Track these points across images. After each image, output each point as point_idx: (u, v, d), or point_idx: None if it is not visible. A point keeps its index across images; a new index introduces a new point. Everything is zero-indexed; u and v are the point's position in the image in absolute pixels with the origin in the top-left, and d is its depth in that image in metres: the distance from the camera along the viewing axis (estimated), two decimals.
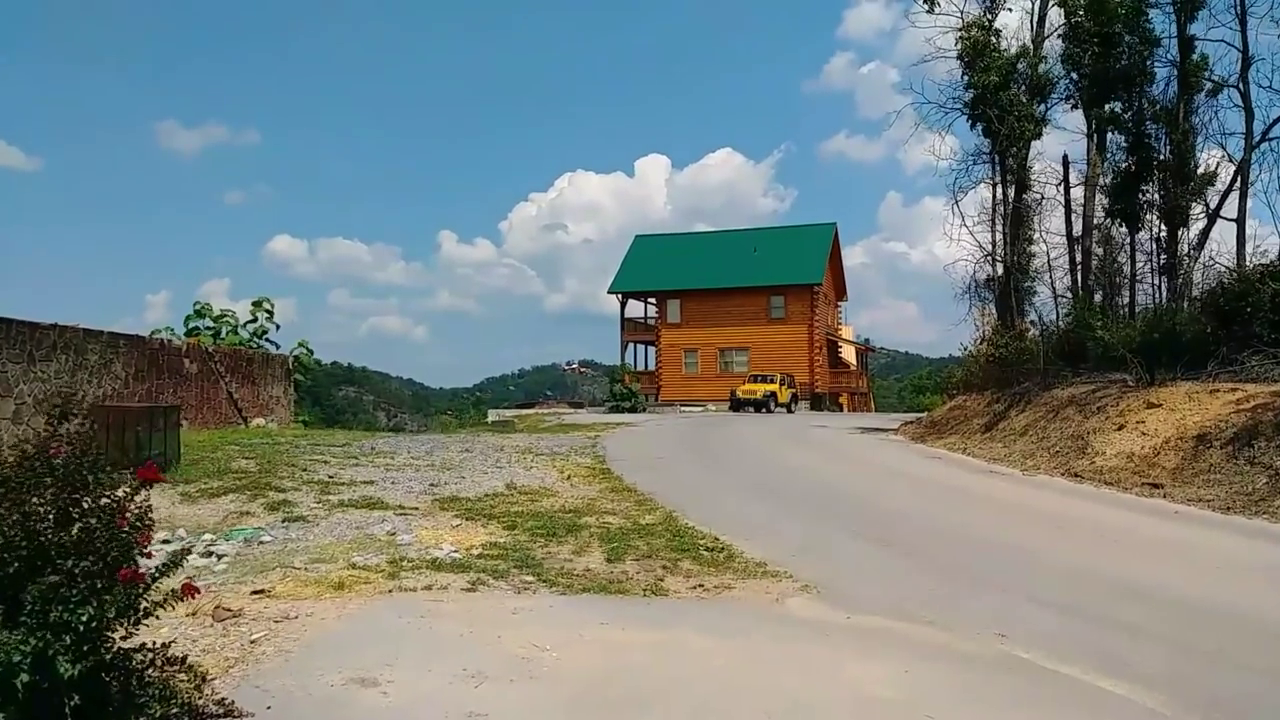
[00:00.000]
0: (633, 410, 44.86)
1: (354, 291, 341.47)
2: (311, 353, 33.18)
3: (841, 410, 54.40)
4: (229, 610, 6.63)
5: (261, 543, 10.35)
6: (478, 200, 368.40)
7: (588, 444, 21.87)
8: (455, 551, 9.62)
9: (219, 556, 9.87)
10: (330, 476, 14.44)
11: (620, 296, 56.40)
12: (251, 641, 6.15)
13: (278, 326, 32.80)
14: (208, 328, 30.66)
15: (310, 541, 10.27)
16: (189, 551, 4.88)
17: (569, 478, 15.77)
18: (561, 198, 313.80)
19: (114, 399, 17.94)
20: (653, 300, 57.24)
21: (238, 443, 17.70)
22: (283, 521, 11.29)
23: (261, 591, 7.66)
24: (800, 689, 5.57)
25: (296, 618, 6.78)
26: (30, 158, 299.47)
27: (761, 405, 42.33)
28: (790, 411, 43.98)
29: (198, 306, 31.02)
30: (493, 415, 43.75)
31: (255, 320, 32.13)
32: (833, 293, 60.44)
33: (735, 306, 53.44)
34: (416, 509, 12.18)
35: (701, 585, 8.52)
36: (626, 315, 56.82)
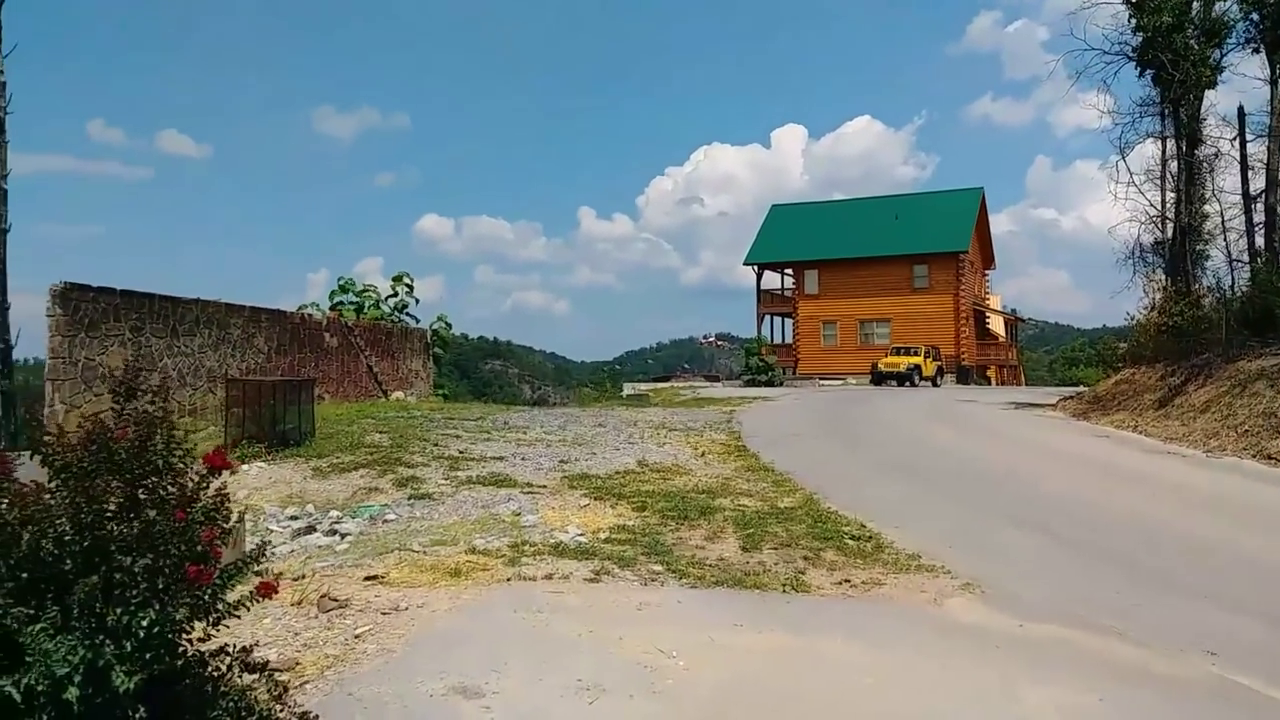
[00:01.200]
0: (769, 384, 43.74)
1: (498, 268, 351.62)
2: (450, 327, 33.52)
3: (989, 384, 51.76)
4: (335, 600, 6.22)
5: (386, 521, 10.07)
6: (615, 176, 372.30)
7: (723, 419, 21.11)
8: (581, 535, 9.07)
9: (342, 535, 9.62)
10: (461, 452, 14.18)
11: (756, 268, 55.01)
12: (355, 636, 5.70)
13: (417, 301, 33.29)
14: (351, 303, 31.29)
15: (434, 521, 9.92)
16: (270, 546, 4.38)
17: (703, 454, 15.08)
18: (697, 171, 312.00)
19: (257, 373, 18.25)
20: (789, 271, 55.62)
21: (373, 416, 17.74)
22: (409, 499, 11.01)
23: (375, 577, 7.27)
24: None
25: (406, 609, 6.32)
26: (200, 146, 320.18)
27: (905, 379, 40.48)
28: (935, 385, 41.95)
29: (341, 282, 31.72)
30: (628, 389, 43.40)
31: (395, 295, 32.65)
32: (979, 260, 57.43)
33: (876, 276, 51.29)
34: (544, 487, 11.73)
35: (848, 580, 7.68)
36: (763, 287, 55.38)
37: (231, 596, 4.15)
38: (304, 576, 7.39)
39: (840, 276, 52.33)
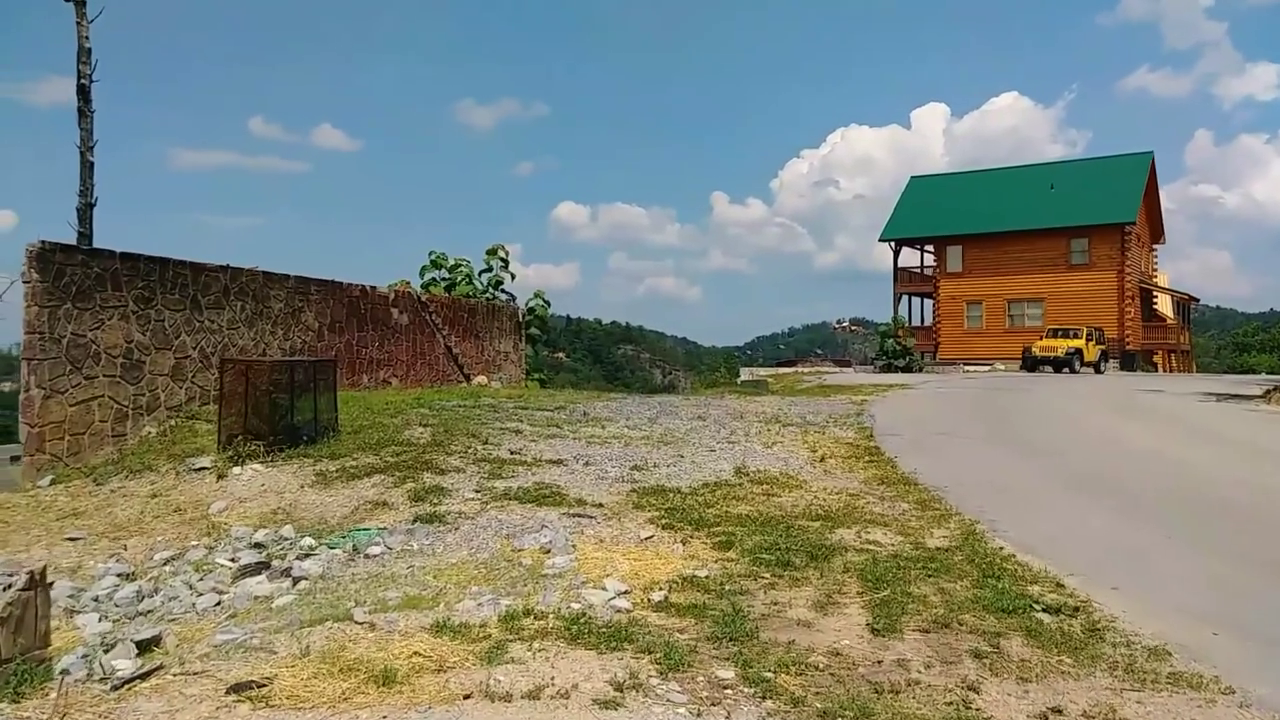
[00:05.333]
0: (907, 369, 39.64)
1: (632, 254, 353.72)
2: (548, 305, 30.74)
3: (1156, 370, 46.03)
4: None
5: (368, 555, 7.28)
6: (749, 159, 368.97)
7: (851, 411, 17.59)
8: (623, 595, 6.02)
9: (295, 580, 6.84)
10: (513, 452, 11.31)
11: (893, 244, 50.34)
12: None
13: (513, 276, 30.65)
14: (443, 278, 28.96)
15: (429, 560, 7.05)
16: None
17: (822, 459, 11.79)
18: (834, 153, 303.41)
19: (305, 353, 15.86)
20: (930, 248, 50.73)
21: (430, 405, 15.07)
22: (414, 521, 8.17)
23: (249, 686, 4.38)
24: None
25: None
26: (353, 140, 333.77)
27: (1063, 364, 35.67)
28: (1098, 372, 36.95)
29: (433, 256, 29.33)
30: (745, 374, 39.77)
31: (490, 269, 30.07)
32: (1147, 234, 51.23)
33: (1027, 251, 46.11)
34: (601, 506, 8.72)
35: (1058, 710, 4.38)
36: (901, 265, 50.74)
37: None
38: (148, 674, 4.57)
39: (987, 252, 47.32)
